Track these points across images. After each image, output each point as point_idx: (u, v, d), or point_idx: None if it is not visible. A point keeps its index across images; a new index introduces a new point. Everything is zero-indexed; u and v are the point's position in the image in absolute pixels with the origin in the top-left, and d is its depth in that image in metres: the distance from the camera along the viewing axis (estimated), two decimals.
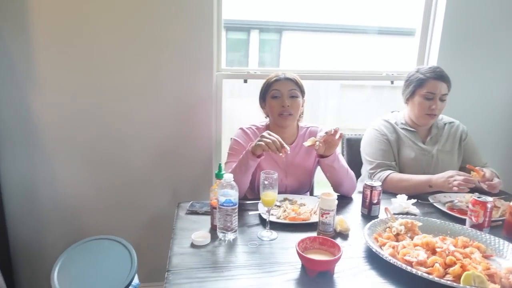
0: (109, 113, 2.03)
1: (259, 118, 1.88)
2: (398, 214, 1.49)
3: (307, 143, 1.49)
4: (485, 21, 2.27)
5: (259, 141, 1.44)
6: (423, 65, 2.37)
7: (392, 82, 2.44)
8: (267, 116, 1.78)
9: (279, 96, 1.66)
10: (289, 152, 1.42)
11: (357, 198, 1.69)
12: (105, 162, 2.08)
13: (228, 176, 1.26)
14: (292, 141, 1.74)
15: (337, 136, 1.48)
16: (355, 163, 1.94)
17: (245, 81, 2.27)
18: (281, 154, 1.41)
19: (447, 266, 1.08)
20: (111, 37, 1.93)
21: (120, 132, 2.06)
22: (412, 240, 1.25)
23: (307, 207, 1.51)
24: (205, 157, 2.19)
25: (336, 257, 1.08)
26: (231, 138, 1.76)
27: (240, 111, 2.42)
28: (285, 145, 1.42)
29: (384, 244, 1.22)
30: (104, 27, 1.91)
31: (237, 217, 1.28)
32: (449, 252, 1.12)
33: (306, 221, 1.39)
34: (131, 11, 1.92)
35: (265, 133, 1.46)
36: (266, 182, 1.26)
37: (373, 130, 1.87)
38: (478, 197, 1.34)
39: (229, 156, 1.71)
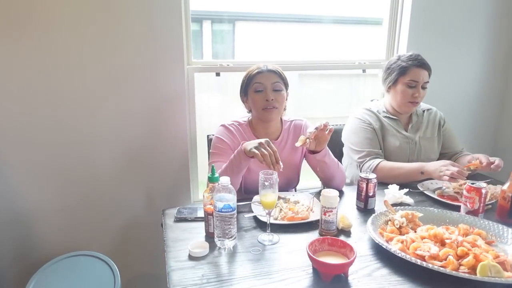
0: (69, 114, 1.82)
1: (234, 114, 1.78)
2: (393, 205, 1.48)
3: (298, 143, 1.42)
4: (452, 8, 2.32)
5: (255, 147, 1.34)
6: (393, 53, 2.41)
7: (364, 71, 2.44)
8: (250, 110, 1.68)
9: (262, 90, 1.57)
10: (281, 170, 1.32)
11: (347, 191, 1.65)
12: (69, 169, 1.87)
13: (224, 180, 1.15)
14: (276, 136, 1.66)
15: (327, 131, 1.42)
16: None
17: (218, 75, 2.14)
18: (271, 168, 1.31)
19: (459, 257, 1.06)
20: (70, 29, 1.72)
21: (84, 134, 1.86)
22: (415, 231, 1.23)
23: (302, 205, 1.44)
24: (181, 157, 2.05)
25: (352, 259, 1.02)
26: (214, 136, 1.64)
27: (213, 107, 2.30)
28: (280, 161, 1.33)
29: (390, 239, 1.18)
30: (61, 17, 1.70)
31: (236, 222, 1.18)
32: (458, 243, 1.10)
33: (306, 220, 1.32)
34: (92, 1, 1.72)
35: (263, 141, 1.35)
36: (266, 183, 1.17)
37: (356, 119, 1.84)
38: (472, 183, 1.35)
39: (213, 155, 1.59)
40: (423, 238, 1.16)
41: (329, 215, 1.23)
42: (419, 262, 1.04)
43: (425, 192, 1.58)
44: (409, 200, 1.49)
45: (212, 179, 1.22)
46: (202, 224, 1.29)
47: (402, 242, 1.14)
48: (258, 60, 2.11)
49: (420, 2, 2.25)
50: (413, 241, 1.13)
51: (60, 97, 1.78)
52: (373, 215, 1.30)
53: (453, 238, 1.11)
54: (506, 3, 2.43)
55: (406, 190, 1.52)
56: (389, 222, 1.29)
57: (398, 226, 1.24)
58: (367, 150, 1.75)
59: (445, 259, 1.05)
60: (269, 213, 1.22)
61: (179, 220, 1.37)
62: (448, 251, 1.06)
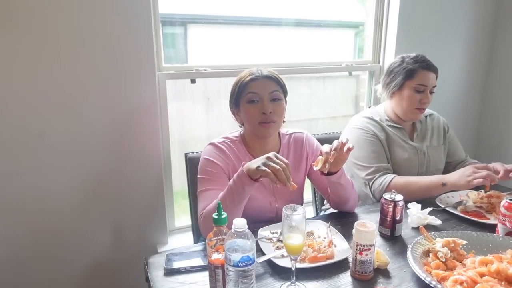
0: (11, 136, 1.43)
1: (215, 127, 1.50)
2: (417, 228, 1.28)
3: (317, 167, 1.18)
4: (437, 9, 2.22)
5: (263, 164, 1.07)
6: (379, 55, 2.25)
7: (350, 73, 2.27)
8: (242, 124, 1.40)
9: (257, 100, 1.29)
10: (296, 187, 1.09)
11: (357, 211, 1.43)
12: (13, 205, 1.48)
13: (239, 222, 0.86)
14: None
15: (345, 149, 1.19)
16: None
17: (193, 81, 1.84)
18: (287, 186, 1.08)
19: None
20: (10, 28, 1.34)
21: (33, 163, 1.48)
22: (460, 262, 1.03)
23: (318, 237, 1.20)
24: (153, 180, 1.72)
25: None
26: (202, 158, 1.34)
27: (189, 119, 1.98)
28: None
29: (444, 279, 0.97)
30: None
31: (254, 276, 0.90)
32: None
33: (332, 261, 1.07)
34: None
35: (271, 155, 1.10)
36: (293, 224, 0.90)
37: (358, 130, 1.63)
38: (510, 199, 1.18)
39: (202, 182, 1.29)
40: (481, 275, 0.96)
41: (366, 254, 0.99)
42: None
43: (447, 209, 1.40)
44: (436, 221, 1.29)
45: (219, 221, 0.92)
46: (203, 275, 1.00)
47: (461, 283, 0.93)
48: (239, 64, 1.85)
49: (408, 3, 2.12)
50: (475, 282, 0.93)
51: (4, 116, 1.40)
52: (410, 247, 1.08)
53: None
54: (486, 7, 2.37)
55: (430, 209, 1.33)
56: (430, 254, 1.07)
57: (444, 260, 1.04)
58: (376, 166, 1.54)
59: None
60: (295, 260, 0.95)
61: (170, 272, 1.06)
62: None
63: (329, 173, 1.25)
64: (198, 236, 1.59)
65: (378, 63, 2.25)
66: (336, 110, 2.42)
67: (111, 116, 1.57)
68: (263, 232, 1.22)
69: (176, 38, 1.98)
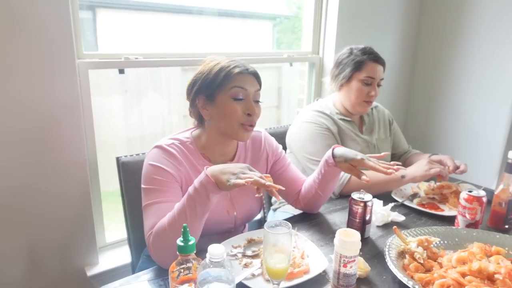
0: None
1: (149, 126, 1.28)
2: (383, 226, 1.24)
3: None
4: (373, 4, 2.23)
5: (234, 176, 0.93)
6: (319, 46, 2.20)
7: (291, 64, 2.18)
8: (206, 119, 1.16)
9: (243, 99, 1.10)
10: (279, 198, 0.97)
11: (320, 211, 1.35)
12: None
13: (216, 251, 0.69)
14: (232, 155, 1.24)
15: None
16: None
17: (122, 71, 1.58)
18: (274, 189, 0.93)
19: None
20: None
21: None
22: (435, 261, 1.00)
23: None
24: (78, 190, 1.43)
25: None
26: (147, 164, 1.11)
27: (118, 116, 1.70)
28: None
29: (428, 284, 0.91)
30: None
31: None
32: (508, 277, 0.90)
33: (310, 276, 0.95)
34: None
35: (244, 167, 0.97)
36: (278, 243, 0.76)
37: (310, 124, 1.54)
38: (470, 191, 1.19)
39: (149, 193, 1.07)
40: (463, 275, 0.92)
41: (351, 266, 0.89)
42: None
43: (405, 203, 1.39)
44: (399, 217, 1.26)
45: (186, 249, 0.73)
46: None
47: (448, 287, 0.88)
48: (173, 52, 1.64)
49: None
50: (461, 284, 0.89)
51: None
52: (386, 250, 1.02)
53: (503, 271, 0.91)
54: (414, 6, 2.47)
55: (391, 204, 1.30)
56: (407, 256, 1.02)
57: (422, 262, 0.99)
58: None
59: None
60: (278, 284, 0.81)
61: None
62: None
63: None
64: (138, 251, 1.36)
65: (318, 54, 2.20)
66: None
67: (21, 118, 1.24)
68: (234, 250, 1.05)
69: (84, 24, 1.66)
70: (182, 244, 0.73)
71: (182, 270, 0.75)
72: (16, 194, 1.29)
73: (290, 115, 2.38)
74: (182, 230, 0.73)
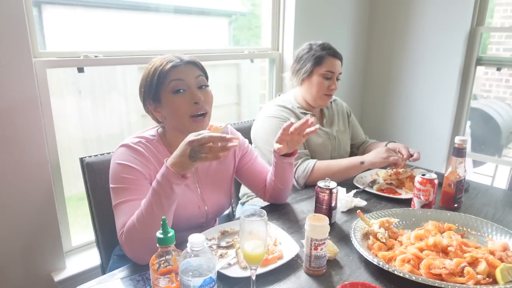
0: None
1: (106, 125, 1.28)
2: (347, 212, 1.32)
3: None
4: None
5: (196, 152, 0.93)
6: (278, 42, 2.26)
7: (252, 61, 2.22)
8: (161, 121, 1.20)
9: (185, 89, 1.11)
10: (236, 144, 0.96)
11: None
12: None
13: (197, 240, 0.72)
14: None
15: (312, 128, 1.18)
16: None
17: (81, 70, 1.54)
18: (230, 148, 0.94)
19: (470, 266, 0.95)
20: None
21: None
22: (395, 240, 1.09)
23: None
24: (42, 195, 1.39)
25: None
26: (114, 164, 1.10)
27: (74, 116, 1.65)
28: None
29: (390, 260, 0.99)
30: None
31: None
32: (459, 248, 1.00)
33: (284, 260, 1.00)
34: None
35: (192, 138, 0.93)
36: (253, 229, 0.79)
37: (272, 118, 1.60)
38: (423, 175, 1.29)
39: (119, 192, 1.06)
40: (421, 249, 1.02)
41: (321, 249, 0.95)
42: (443, 285, 0.88)
43: (365, 189, 1.48)
44: (361, 202, 1.35)
45: (166, 240, 0.75)
46: None
47: (408, 261, 0.97)
48: (141, 50, 1.62)
49: None
50: (419, 258, 0.98)
51: None
52: (352, 233, 1.09)
53: (454, 244, 1.01)
54: (365, 3, 2.61)
55: (354, 191, 1.38)
56: (370, 237, 1.10)
57: (384, 241, 1.07)
58: (297, 153, 1.53)
59: (461, 272, 0.93)
60: (255, 269, 0.85)
61: None
62: (460, 261, 0.95)
63: (285, 155, 1.21)
64: (108, 252, 1.34)
65: (278, 50, 2.26)
66: (221, 99, 2.34)
67: None
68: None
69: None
70: (161, 236, 0.75)
71: (162, 263, 0.77)
72: None
73: (251, 111, 2.42)
74: (161, 223, 0.75)
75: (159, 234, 0.75)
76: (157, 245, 0.76)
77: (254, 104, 2.47)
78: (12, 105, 1.25)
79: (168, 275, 0.76)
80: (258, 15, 2.30)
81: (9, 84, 1.24)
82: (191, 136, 0.94)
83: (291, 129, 1.16)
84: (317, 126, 1.19)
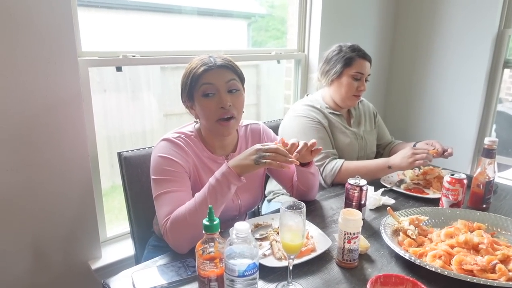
0: None
1: (139, 122, 1.34)
2: (376, 209, 1.35)
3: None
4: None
5: (261, 157, 1.05)
6: (304, 43, 2.30)
7: (278, 62, 2.27)
8: (198, 118, 1.26)
9: (214, 93, 1.16)
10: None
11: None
12: None
13: (242, 227, 0.77)
14: (233, 148, 1.31)
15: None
16: None
17: (119, 69, 1.61)
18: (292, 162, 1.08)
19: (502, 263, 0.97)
20: None
21: None
22: (425, 237, 1.12)
23: None
24: (81, 185, 1.47)
25: None
26: (156, 156, 1.16)
27: (113, 113, 1.73)
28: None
29: (421, 256, 1.02)
30: None
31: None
32: (490, 246, 1.02)
33: (317, 253, 1.04)
34: None
35: (260, 147, 1.08)
36: (293, 220, 0.84)
37: (302, 118, 1.64)
38: (452, 175, 1.31)
39: (161, 183, 1.12)
40: (451, 246, 1.04)
41: (354, 242, 0.98)
42: (475, 280, 0.90)
43: (393, 188, 1.50)
44: (390, 200, 1.38)
45: (212, 228, 0.81)
46: None
47: (440, 257, 0.99)
48: (172, 50, 1.69)
49: None
50: (450, 254, 1.00)
51: None
52: (382, 229, 1.12)
53: (486, 241, 1.03)
54: (391, 3, 2.63)
55: (382, 189, 1.41)
56: (400, 233, 1.13)
57: (414, 237, 1.10)
58: (324, 152, 1.56)
59: (493, 269, 0.95)
60: (293, 259, 0.89)
61: None
62: (492, 258, 0.97)
63: (302, 164, 1.23)
64: (142, 243, 1.41)
65: (303, 51, 2.30)
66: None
67: (23, 115, 1.26)
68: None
69: None
70: (208, 223, 0.80)
71: (206, 249, 0.82)
72: (20, 190, 1.31)
73: (269, 112, 2.44)
74: (208, 211, 0.80)
75: (205, 221, 0.80)
76: (203, 231, 0.81)
77: (273, 105, 2.49)
78: (58, 101, 1.33)
79: (213, 261, 0.81)
80: (277, 17, 2.33)
81: (56, 81, 1.31)
82: (258, 145, 1.08)
83: (294, 154, 1.13)
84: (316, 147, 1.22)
